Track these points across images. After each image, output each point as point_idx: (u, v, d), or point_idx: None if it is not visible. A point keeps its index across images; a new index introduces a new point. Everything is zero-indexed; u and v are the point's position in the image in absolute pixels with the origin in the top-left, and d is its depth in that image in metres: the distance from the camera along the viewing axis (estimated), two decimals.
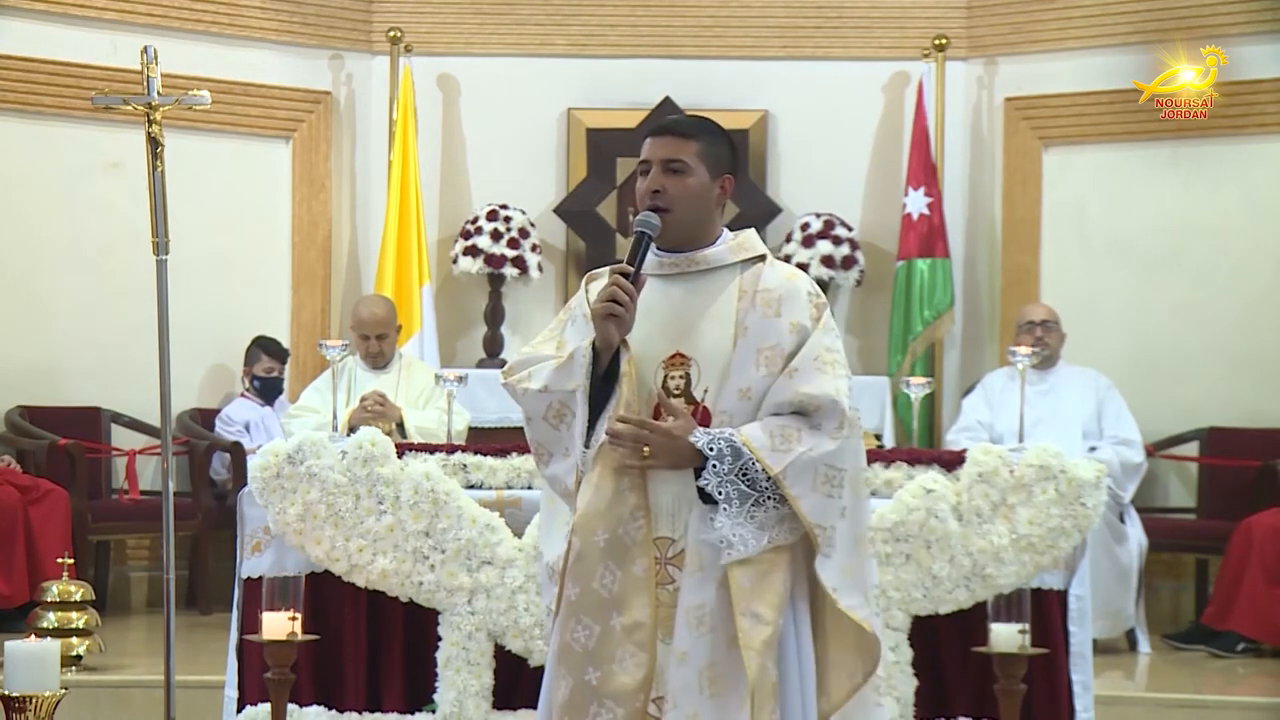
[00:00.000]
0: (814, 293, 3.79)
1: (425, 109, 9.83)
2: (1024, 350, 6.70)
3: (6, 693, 3.68)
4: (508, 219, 9.63)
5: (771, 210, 9.76)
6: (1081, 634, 5.83)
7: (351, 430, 6.10)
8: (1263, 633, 7.92)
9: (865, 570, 3.74)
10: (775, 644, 3.60)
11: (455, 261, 9.66)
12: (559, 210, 9.87)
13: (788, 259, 9.29)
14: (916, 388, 6.56)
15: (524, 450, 5.70)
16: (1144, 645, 8.11)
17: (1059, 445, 6.00)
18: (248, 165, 9.71)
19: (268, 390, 9.24)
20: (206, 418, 9.25)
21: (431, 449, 5.94)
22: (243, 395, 9.32)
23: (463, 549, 5.66)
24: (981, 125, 9.93)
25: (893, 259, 9.68)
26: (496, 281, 9.70)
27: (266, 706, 5.54)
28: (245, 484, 5.80)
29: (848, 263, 9.59)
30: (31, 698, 3.67)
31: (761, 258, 3.82)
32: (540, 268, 9.68)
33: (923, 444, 8.82)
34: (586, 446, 3.69)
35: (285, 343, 9.48)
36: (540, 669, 5.57)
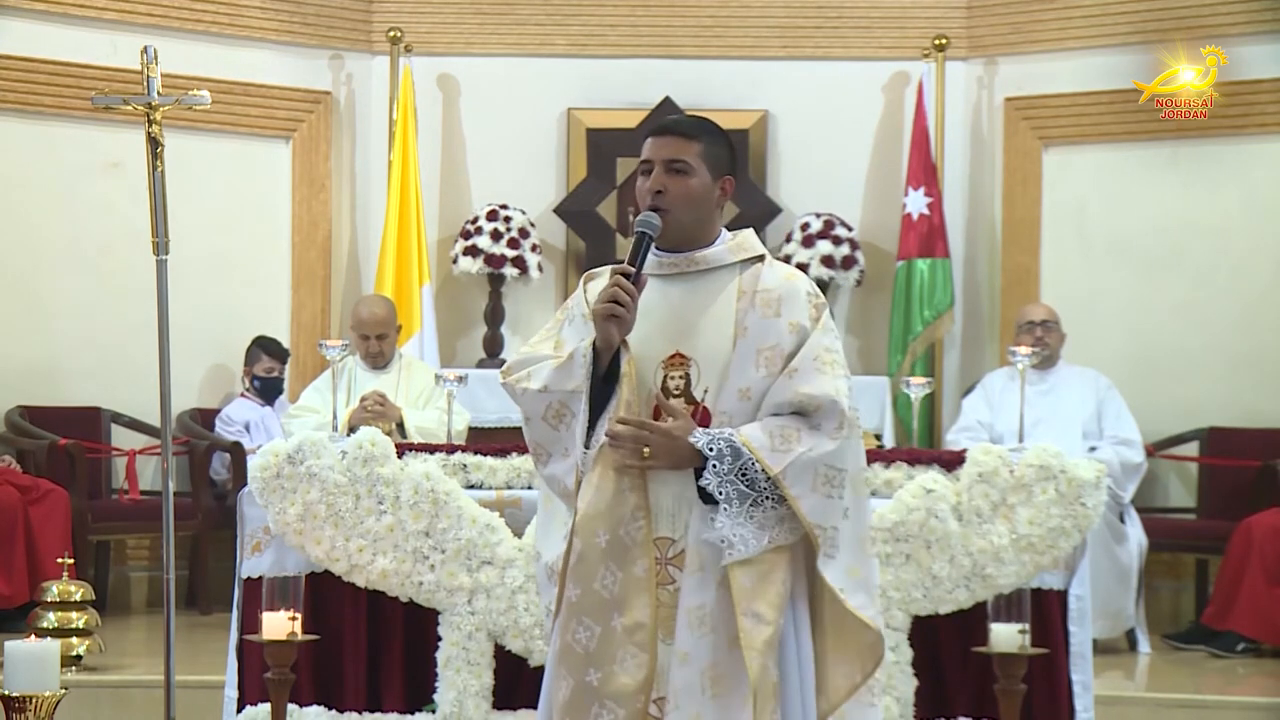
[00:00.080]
0: (813, 293, 3.79)
1: (425, 109, 9.83)
2: (1024, 350, 6.70)
3: (6, 693, 3.68)
4: (508, 219, 9.63)
5: (771, 210, 9.76)
6: (1081, 634, 5.83)
7: (351, 430, 6.10)
8: (1263, 633, 7.92)
9: (869, 569, 3.76)
10: (776, 644, 3.61)
11: (455, 261, 9.66)
12: (559, 210, 9.88)
13: (788, 259, 9.30)
14: (916, 388, 6.56)
15: (524, 450, 5.69)
16: (1144, 645, 8.11)
17: (1059, 445, 6.00)
18: (248, 165, 9.71)
19: (268, 390, 9.24)
20: (206, 418, 9.25)
21: (431, 449, 5.94)
22: (243, 395, 9.33)
23: (463, 549, 5.66)
24: (981, 125, 9.93)
25: (893, 259, 9.68)
26: (496, 281, 9.70)
27: (266, 706, 5.54)
28: (245, 484, 5.80)
29: (848, 263, 9.59)
30: (31, 698, 3.67)
31: (760, 258, 3.82)
32: (540, 268, 9.68)
33: (923, 444, 8.82)
34: (586, 447, 3.69)
35: (285, 343, 9.48)
36: (540, 669, 5.57)
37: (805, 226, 9.65)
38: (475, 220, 9.68)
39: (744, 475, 3.60)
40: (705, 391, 3.70)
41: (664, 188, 3.74)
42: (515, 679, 5.74)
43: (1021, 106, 9.76)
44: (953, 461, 5.81)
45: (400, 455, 5.79)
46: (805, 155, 9.92)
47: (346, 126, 9.97)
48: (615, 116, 9.75)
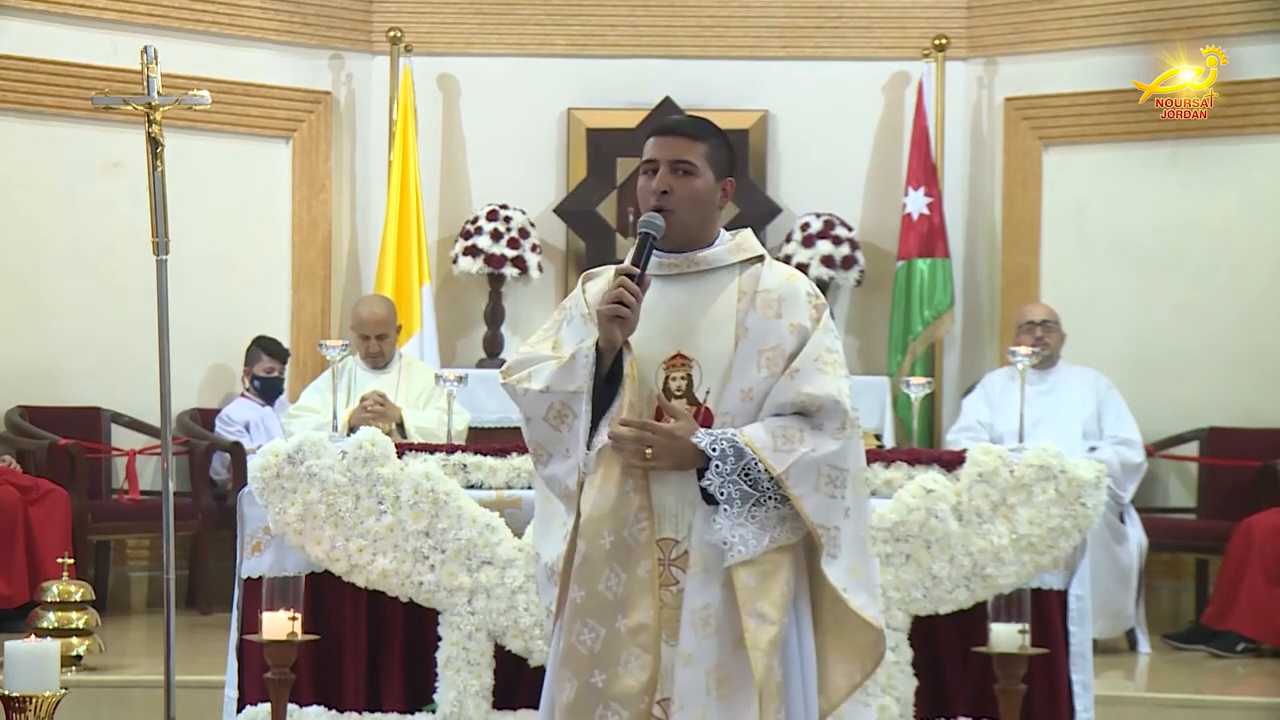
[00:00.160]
0: (813, 293, 3.79)
1: (425, 109, 9.83)
2: (1024, 350, 6.70)
3: (6, 693, 3.68)
4: (508, 219, 9.63)
5: (771, 210, 9.76)
6: (1081, 634, 5.82)
7: (351, 430, 6.10)
8: (1263, 633, 7.92)
9: (871, 569, 3.77)
10: (780, 643, 3.61)
11: (455, 261, 9.66)
12: (559, 210, 9.88)
13: (788, 259, 9.30)
14: (916, 388, 6.56)
15: (524, 450, 5.68)
16: (1144, 645, 8.11)
17: (1059, 445, 6.00)
18: (248, 165, 9.71)
19: (268, 390, 9.24)
20: (206, 418, 9.25)
21: (431, 449, 5.94)
22: (243, 395, 9.33)
23: (463, 549, 5.66)
24: (981, 125, 9.93)
25: (893, 259, 9.69)
26: (496, 281, 9.70)
27: (266, 706, 5.54)
28: (245, 484, 5.80)
29: (848, 263, 9.59)
30: (31, 698, 3.67)
31: (760, 258, 3.82)
32: (540, 268, 9.68)
33: (923, 444, 8.82)
34: (589, 448, 3.68)
35: (285, 343, 9.48)
36: (540, 669, 5.59)
37: (805, 226, 9.65)
38: (475, 220, 9.68)
39: (747, 475, 3.60)
40: (707, 392, 3.70)
41: (670, 188, 3.74)
42: (515, 679, 5.73)
43: (1021, 106, 9.76)
44: (953, 461, 5.81)
45: (400, 455, 5.79)
46: (805, 155, 9.92)
47: (346, 126, 9.97)
48: (615, 116, 9.75)
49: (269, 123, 9.71)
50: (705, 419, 3.67)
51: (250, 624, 5.58)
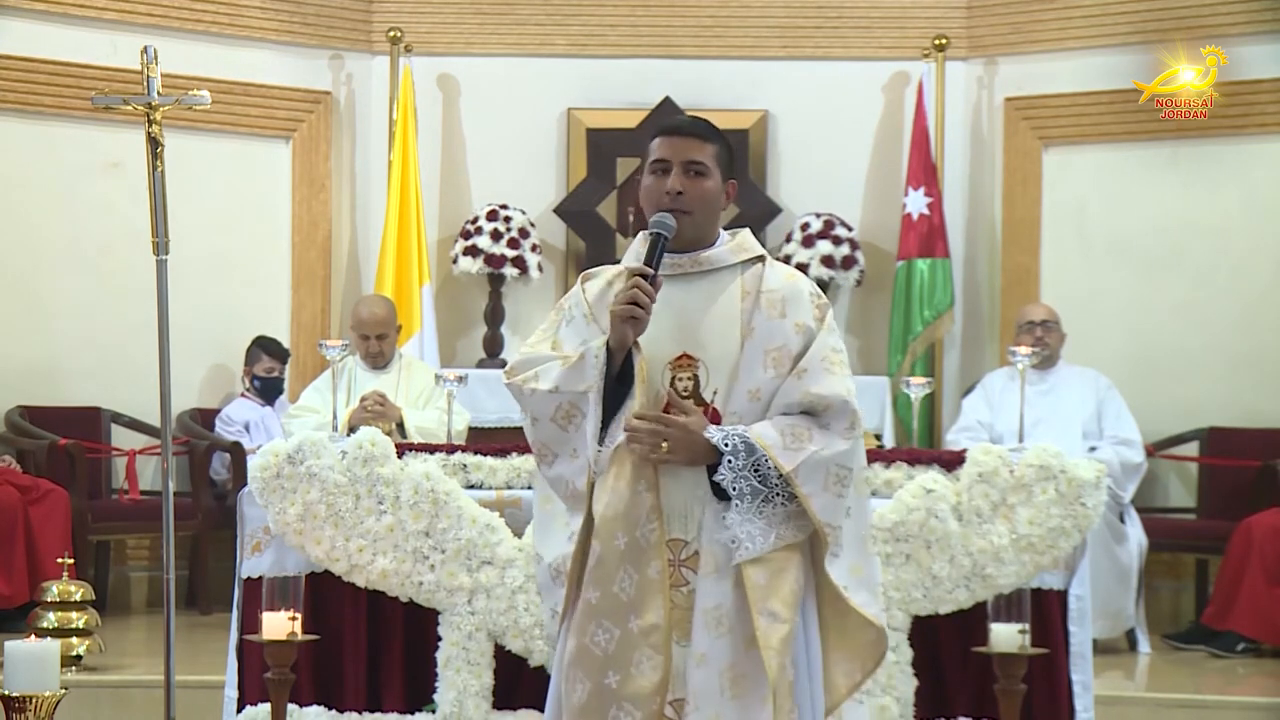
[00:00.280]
0: (815, 293, 3.81)
1: (425, 109, 9.84)
2: (1024, 350, 6.70)
3: (6, 693, 3.68)
4: (508, 219, 9.63)
5: (771, 210, 9.76)
6: (1081, 634, 5.82)
7: (351, 430, 6.09)
8: (1263, 633, 7.92)
9: (871, 568, 3.79)
10: (791, 641, 3.62)
11: (455, 261, 9.66)
12: (559, 210, 9.88)
13: (788, 259, 9.31)
14: (916, 388, 6.56)
15: (524, 450, 5.71)
16: (1144, 645, 8.11)
17: (1059, 445, 6.00)
18: (248, 165, 9.71)
19: (268, 390, 9.24)
20: (206, 418, 9.25)
21: (431, 449, 5.93)
22: (243, 395, 9.33)
23: (463, 549, 5.66)
24: (981, 125, 9.93)
25: (893, 259, 9.69)
26: (496, 281, 9.70)
27: (266, 706, 5.54)
28: (245, 484, 5.80)
29: (848, 263, 9.59)
30: (31, 698, 3.67)
31: (761, 258, 3.83)
32: (540, 268, 9.68)
33: (923, 444, 8.82)
34: (602, 446, 3.67)
35: (285, 343, 9.48)
36: (541, 669, 5.62)
37: (805, 226, 9.65)
38: (475, 220, 9.68)
39: (757, 471, 3.62)
40: (714, 393, 3.71)
41: (683, 189, 3.74)
42: (515, 679, 5.73)
43: (1021, 106, 9.76)
44: (953, 461, 5.81)
45: (400, 455, 5.79)
46: (805, 155, 9.93)
47: (346, 126, 9.97)
48: (615, 116, 9.75)
49: (269, 123, 9.71)
50: (713, 419, 3.68)
51: (250, 624, 5.58)
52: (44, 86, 9.04)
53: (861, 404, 3.84)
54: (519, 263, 9.58)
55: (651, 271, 3.66)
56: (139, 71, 5.49)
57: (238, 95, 9.47)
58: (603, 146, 9.85)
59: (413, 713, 5.77)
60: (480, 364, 9.48)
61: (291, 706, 5.59)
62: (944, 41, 9.68)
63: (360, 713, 5.77)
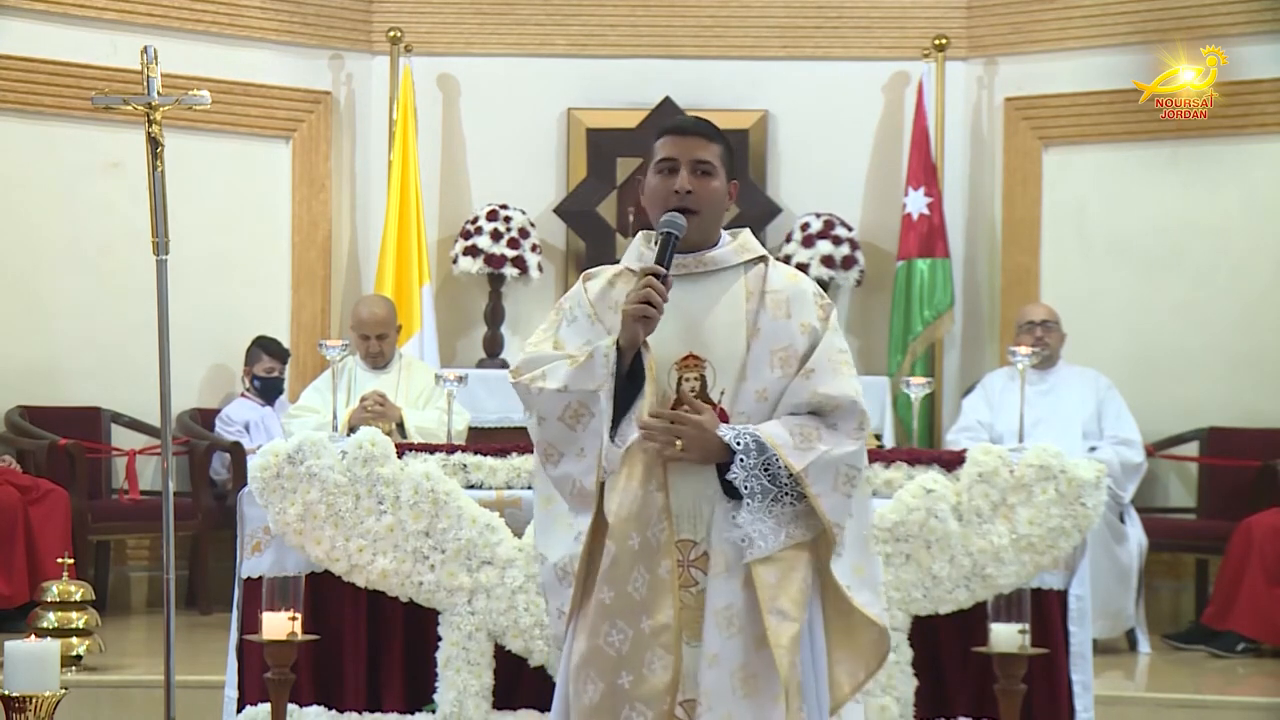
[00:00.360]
0: (818, 293, 3.83)
1: (425, 109, 9.84)
2: (1024, 350, 6.70)
3: (6, 693, 3.68)
4: (508, 219, 9.63)
5: (771, 210, 9.76)
6: (1081, 634, 5.82)
7: (351, 430, 6.10)
8: (1263, 633, 7.92)
9: (873, 567, 3.80)
10: (800, 640, 3.63)
11: (455, 261, 9.66)
12: (559, 210, 9.88)
13: (788, 259, 9.31)
14: (916, 388, 6.56)
15: (524, 450, 5.71)
16: (1144, 645, 8.11)
17: (1059, 445, 6.00)
18: (248, 165, 9.71)
19: (268, 390, 9.24)
20: (206, 418, 9.25)
21: (431, 449, 5.93)
22: (243, 395, 9.33)
23: (463, 549, 5.66)
24: (981, 125, 9.93)
25: (893, 259, 9.69)
26: (496, 281, 9.70)
27: (266, 706, 5.54)
28: (245, 484, 5.80)
29: (848, 263, 9.59)
30: (31, 698, 3.68)
31: (763, 258, 3.84)
32: (540, 268, 9.68)
33: (923, 444, 8.82)
34: (614, 443, 3.66)
35: (285, 343, 9.48)
36: (541, 669, 5.61)
37: (805, 226, 9.65)
38: (475, 220, 9.68)
39: (767, 470, 3.63)
40: (722, 393, 3.71)
41: (693, 188, 3.75)
42: (515, 679, 5.73)
43: (1021, 106, 9.76)
44: (953, 461, 5.81)
45: (400, 455, 5.79)
46: (805, 155, 9.93)
47: (346, 126, 9.97)
48: (615, 116, 9.76)
49: (269, 123, 9.71)
50: (721, 419, 3.68)
51: (250, 624, 5.58)
52: (44, 86, 9.04)
53: None
54: (519, 263, 9.58)
55: (664, 271, 3.66)
56: (139, 71, 5.49)
57: (238, 95, 9.47)
58: (603, 146, 9.85)
59: (413, 713, 5.77)
60: (480, 364, 9.49)
61: (291, 706, 5.59)
62: (944, 41, 9.68)
63: (360, 713, 5.77)
